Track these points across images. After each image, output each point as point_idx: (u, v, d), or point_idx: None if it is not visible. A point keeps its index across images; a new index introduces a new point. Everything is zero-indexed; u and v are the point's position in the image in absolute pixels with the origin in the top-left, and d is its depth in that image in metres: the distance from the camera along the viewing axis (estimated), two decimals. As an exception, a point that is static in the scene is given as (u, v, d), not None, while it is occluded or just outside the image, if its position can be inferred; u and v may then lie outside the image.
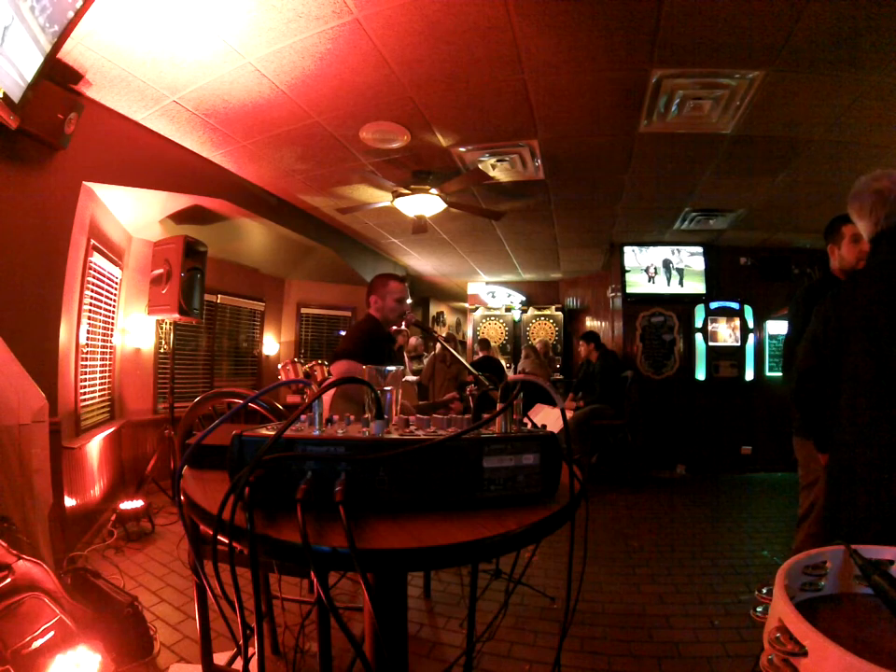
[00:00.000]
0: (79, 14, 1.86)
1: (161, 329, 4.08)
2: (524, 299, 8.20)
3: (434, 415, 0.80)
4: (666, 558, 3.04)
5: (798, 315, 2.05)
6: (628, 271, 5.61)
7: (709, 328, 5.48)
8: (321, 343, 6.52)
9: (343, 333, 6.57)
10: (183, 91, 2.69)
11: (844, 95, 2.60)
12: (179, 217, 3.94)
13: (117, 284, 3.73)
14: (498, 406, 0.77)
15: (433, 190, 3.83)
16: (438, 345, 5.73)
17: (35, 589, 1.48)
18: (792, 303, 2.16)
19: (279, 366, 4.88)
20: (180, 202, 3.63)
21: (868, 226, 1.51)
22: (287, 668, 1.86)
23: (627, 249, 5.63)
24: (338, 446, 0.66)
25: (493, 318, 8.21)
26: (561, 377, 7.37)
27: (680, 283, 5.58)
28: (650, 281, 5.59)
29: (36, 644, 1.41)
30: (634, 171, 3.70)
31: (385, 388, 0.85)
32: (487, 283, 8.31)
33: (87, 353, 3.20)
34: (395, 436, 0.70)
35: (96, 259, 3.22)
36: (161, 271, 3.65)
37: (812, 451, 1.82)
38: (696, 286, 5.57)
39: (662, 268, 5.59)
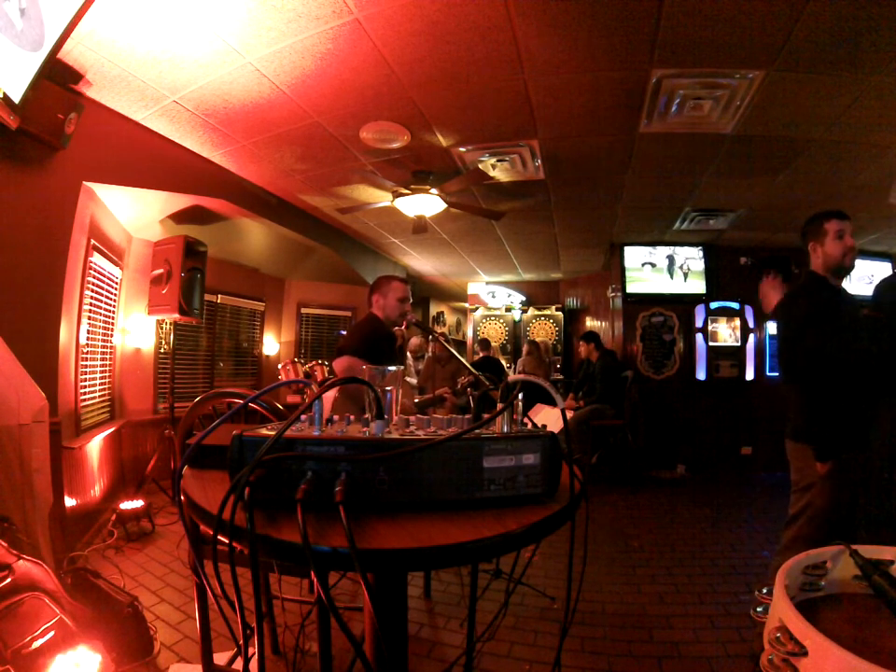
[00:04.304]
0: (79, 14, 1.86)
1: (162, 329, 4.08)
2: (524, 299, 8.20)
3: (434, 415, 0.80)
4: (666, 558, 3.04)
5: (796, 316, 1.94)
6: (653, 266, 5.63)
7: (709, 328, 5.48)
8: (321, 343, 6.52)
9: (343, 333, 6.57)
10: (183, 91, 2.69)
11: (844, 95, 2.60)
12: (179, 217, 3.94)
13: (117, 284, 3.73)
14: (498, 406, 0.77)
15: (433, 190, 3.83)
16: (431, 346, 5.74)
17: (35, 589, 1.48)
18: (785, 306, 2.05)
19: (279, 366, 4.87)
20: (180, 202, 3.63)
21: None
22: (287, 668, 1.86)
23: (636, 248, 5.63)
24: (338, 446, 0.66)
25: (493, 318, 8.21)
26: (561, 377, 7.37)
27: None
28: (685, 280, 5.59)
29: (37, 644, 1.41)
30: (634, 171, 3.70)
31: (386, 388, 0.85)
32: (487, 283, 8.31)
33: (87, 353, 3.20)
34: (395, 436, 0.70)
35: (96, 259, 3.22)
36: (161, 271, 3.65)
37: (809, 457, 1.83)
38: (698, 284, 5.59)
39: (667, 265, 5.61)
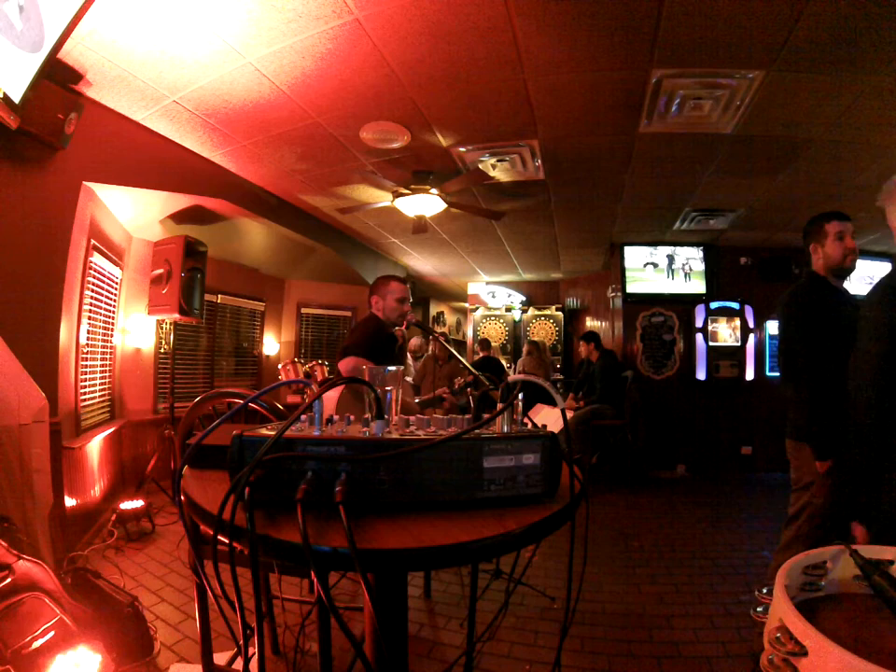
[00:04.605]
0: (78, 15, 1.86)
1: (162, 329, 4.08)
2: (524, 299, 8.20)
3: (434, 415, 0.80)
4: (666, 558, 3.04)
5: (796, 316, 1.96)
6: (655, 266, 5.63)
7: (709, 328, 5.48)
8: (321, 343, 6.52)
9: (342, 333, 6.58)
10: (183, 91, 2.69)
11: (844, 95, 2.60)
12: (179, 217, 3.94)
13: (117, 284, 3.73)
14: (499, 406, 0.77)
15: (433, 190, 3.83)
16: (430, 346, 5.74)
17: (35, 589, 1.48)
18: (785, 306, 2.01)
19: (279, 366, 4.88)
20: (180, 202, 3.63)
21: None
22: (287, 668, 1.86)
23: (638, 248, 5.63)
24: (338, 446, 0.66)
25: (493, 318, 8.21)
26: (561, 377, 7.38)
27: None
28: (686, 280, 5.59)
29: (37, 644, 1.41)
30: (634, 171, 3.70)
31: (386, 388, 0.85)
32: (487, 283, 8.31)
33: (87, 353, 3.20)
34: (395, 436, 0.70)
35: (96, 258, 3.22)
36: (161, 271, 3.65)
37: (808, 455, 1.84)
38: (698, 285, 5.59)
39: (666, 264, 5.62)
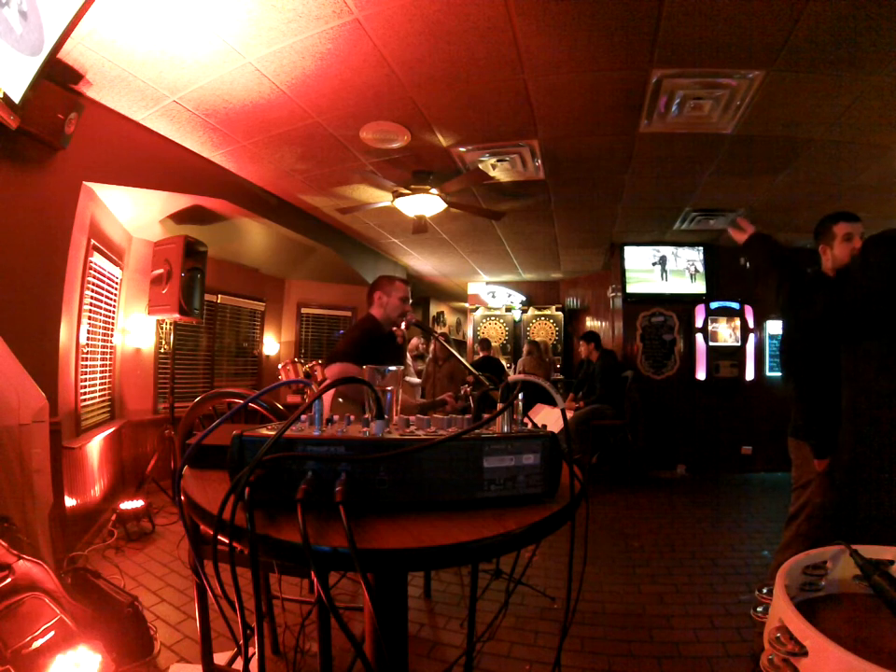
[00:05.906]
0: (78, 16, 1.86)
1: (162, 329, 4.08)
2: (524, 299, 8.20)
3: (434, 415, 0.80)
4: (666, 558, 3.04)
5: (797, 315, 2.00)
6: (662, 266, 5.64)
7: (709, 328, 5.48)
8: (321, 343, 6.52)
9: (341, 333, 6.58)
10: (183, 91, 2.69)
11: (844, 95, 2.60)
12: (179, 217, 3.94)
13: (117, 284, 3.73)
14: (499, 406, 0.77)
15: (433, 190, 3.83)
16: (430, 347, 5.75)
17: (35, 589, 1.48)
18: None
19: (279, 366, 4.87)
20: (180, 202, 3.63)
21: None
22: (287, 668, 1.86)
23: (643, 248, 5.63)
24: (338, 446, 0.66)
25: (493, 318, 8.21)
26: (561, 377, 7.38)
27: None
28: (692, 280, 5.58)
29: (37, 644, 1.41)
30: (634, 171, 3.70)
31: (386, 388, 0.85)
32: (487, 283, 8.31)
33: (87, 353, 3.20)
34: (395, 436, 0.70)
35: (96, 258, 3.22)
36: (161, 271, 3.65)
37: (808, 454, 1.85)
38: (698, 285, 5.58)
39: (659, 264, 5.62)
